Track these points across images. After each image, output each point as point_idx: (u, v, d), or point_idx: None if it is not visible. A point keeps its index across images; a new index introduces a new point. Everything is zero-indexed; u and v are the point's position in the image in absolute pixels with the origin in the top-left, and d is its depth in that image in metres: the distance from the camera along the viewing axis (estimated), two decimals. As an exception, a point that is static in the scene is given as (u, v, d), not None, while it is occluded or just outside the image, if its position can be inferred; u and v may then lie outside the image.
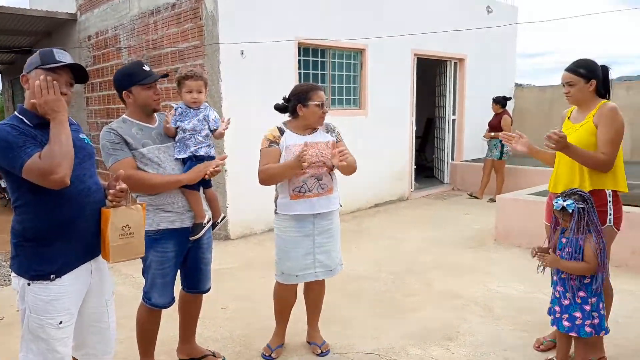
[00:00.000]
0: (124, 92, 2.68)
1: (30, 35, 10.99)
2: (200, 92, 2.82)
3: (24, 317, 2.09)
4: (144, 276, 2.82)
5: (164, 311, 2.89)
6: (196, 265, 2.95)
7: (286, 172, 2.90)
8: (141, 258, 2.77)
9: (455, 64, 9.51)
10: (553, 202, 2.83)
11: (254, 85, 6.33)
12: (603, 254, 2.74)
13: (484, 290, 4.30)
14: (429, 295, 4.24)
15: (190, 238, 2.82)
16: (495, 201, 6.38)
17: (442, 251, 5.52)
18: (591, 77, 2.90)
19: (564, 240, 2.83)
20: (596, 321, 2.77)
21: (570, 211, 2.72)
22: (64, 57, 2.09)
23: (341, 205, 3.22)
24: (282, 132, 3.03)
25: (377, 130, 7.96)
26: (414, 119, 8.76)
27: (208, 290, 3.06)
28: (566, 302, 2.81)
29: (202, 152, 2.77)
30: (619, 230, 2.92)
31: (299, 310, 3.35)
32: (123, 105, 2.76)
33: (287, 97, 3.09)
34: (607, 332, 2.84)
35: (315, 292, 3.27)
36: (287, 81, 6.87)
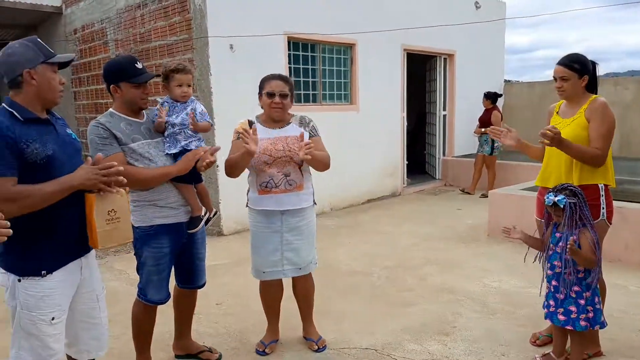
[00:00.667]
0: (112, 86, 2.60)
1: (15, 29, 10.77)
2: (189, 85, 2.77)
3: (14, 314, 2.03)
4: (138, 273, 2.77)
5: (159, 307, 2.84)
6: (191, 261, 2.91)
7: (241, 160, 2.80)
8: (135, 255, 2.74)
9: (445, 59, 9.52)
10: (545, 198, 2.82)
11: (244, 79, 6.24)
12: (597, 248, 2.74)
13: (479, 285, 4.30)
14: (424, 290, 4.23)
15: (189, 231, 2.79)
16: (487, 197, 6.40)
17: (436, 246, 5.52)
18: (584, 72, 2.90)
19: (557, 235, 2.83)
20: (591, 315, 2.77)
21: (562, 206, 2.71)
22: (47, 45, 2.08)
23: (315, 203, 3.14)
24: (251, 124, 2.97)
25: (368, 125, 7.94)
26: (404, 114, 8.75)
27: (203, 285, 3.03)
28: (561, 296, 2.81)
29: (192, 146, 2.71)
30: (610, 224, 2.93)
31: (293, 305, 3.31)
32: (112, 100, 2.69)
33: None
34: (602, 326, 2.85)
35: (300, 288, 3.22)
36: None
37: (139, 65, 2.60)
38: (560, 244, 2.79)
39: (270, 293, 3.19)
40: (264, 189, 2.94)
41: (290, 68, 6.90)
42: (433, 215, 7.06)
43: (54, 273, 2.02)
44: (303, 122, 3.03)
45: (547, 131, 2.69)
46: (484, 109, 8.44)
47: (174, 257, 2.79)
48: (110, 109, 2.65)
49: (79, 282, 2.16)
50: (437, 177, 9.78)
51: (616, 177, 3.01)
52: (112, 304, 3.68)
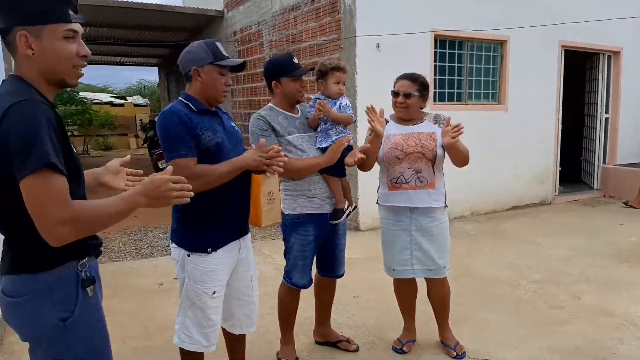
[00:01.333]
0: (273, 82, 2.78)
1: (183, 32, 12.08)
2: (344, 83, 2.90)
3: (182, 285, 2.26)
4: (285, 257, 2.92)
5: (302, 294, 2.98)
6: (332, 250, 3.01)
7: (370, 144, 2.83)
8: (283, 240, 2.91)
9: (609, 57, 8.53)
10: None
11: (389, 78, 6.19)
12: None
13: (645, 310, 3.79)
14: (578, 309, 3.84)
15: (332, 222, 2.88)
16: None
17: (592, 263, 4.98)
18: None
19: None
20: None
21: None
22: (224, 50, 2.26)
23: (446, 205, 3.01)
24: (386, 121, 2.98)
25: (517, 126, 7.44)
26: (559, 116, 8.03)
27: (342, 275, 3.11)
28: None
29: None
30: None
31: (430, 308, 3.23)
32: (265, 97, 2.90)
33: None
34: None
35: (435, 292, 3.13)
36: (423, 73, 6.64)
37: (296, 61, 2.77)
38: None
39: (403, 291, 3.18)
40: (393, 185, 2.93)
41: (435, 66, 6.74)
42: (590, 229, 6.38)
43: (217, 251, 2.23)
44: (437, 120, 2.96)
45: None
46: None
47: (317, 245, 2.91)
48: (270, 104, 2.84)
49: (236, 261, 2.36)
50: (594, 187, 8.82)
51: None
52: (259, 285, 3.95)
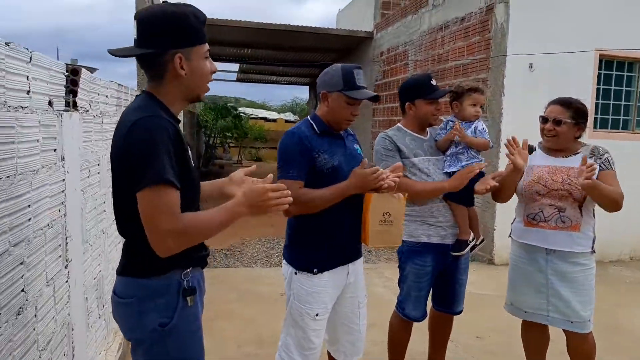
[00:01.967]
0: (407, 103, 2.71)
1: (333, 52, 12.57)
2: (482, 106, 2.72)
3: (288, 302, 2.28)
4: (399, 285, 2.81)
5: (417, 325, 2.82)
6: (451, 285, 2.81)
7: (507, 177, 2.58)
8: (399, 267, 2.79)
9: None
10: None
11: (540, 101, 5.65)
12: None
13: None
14: None
15: (453, 254, 2.70)
16: None
17: None
18: None
19: None
20: None
21: None
22: (361, 79, 2.19)
23: (594, 251, 2.57)
24: (531, 150, 2.68)
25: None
26: None
27: (459, 312, 2.89)
28: None
29: None
30: None
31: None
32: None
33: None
34: None
35: (575, 348, 2.67)
36: (582, 97, 5.98)
37: (434, 82, 2.66)
38: None
39: (532, 337, 2.82)
40: (530, 221, 2.62)
41: (598, 89, 6.04)
42: None
43: (324, 273, 2.20)
44: (595, 153, 2.58)
45: None
46: None
47: (434, 277, 2.73)
48: (398, 124, 2.77)
49: (344, 286, 2.31)
50: None
51: None
52: (376, 309, 3.85)
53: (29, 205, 1.71)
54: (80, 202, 2.36)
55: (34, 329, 1.74)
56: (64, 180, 2.11)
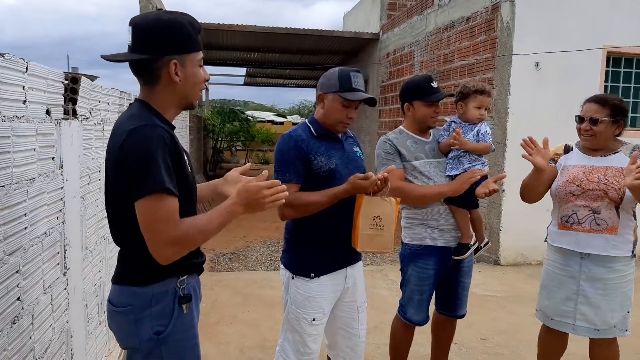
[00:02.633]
0: (405, 104, 2.69)
1: (340, 54, 12.58)
2: (487, 108, 2.66)
3: (285, 307, 2.27)
4: (401, 289, 2.79)
5: (419, 328, 2.80)
6: (453, 288, 2.78)
7: (530, 178, 2.57)
8: (401, 271, 2.77)
9: None
10: None
11: (547, 100, 5.71)
12: None
13: None
14: None
15: (454, 258, 2.67)
16: None
17: None
18: None
19: None
20: None
21: None
22: (358, 82, 2.18)
23: (634, 255, 2.48)
24: (567, 150, 2.61)
25: None
26: None
27: (463, 316, 2.86)
28: None
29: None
30: None
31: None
32: (409, 120, 2.77)
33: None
34: None
35: (597, 355, 2.62)
36: (588, 96, 5.93)
37: (434, 84, 2.62)
38: None
39: (550, 343, 2.73)
40: (564, 224, 2.54)
41: (606, 87, 5.97)
42: None
43: (321, 277, 2.19)
44: (632, 151, 2.49)
45: None
46: None
47: (437, 281, 2.71)
48: (400, 127, 2.75)
49: (342, 290, 2.29)
50: None
51: None
52: (380, 312, 3.85)
53: (25, 214, 1.72)
54: (80, 209, 2.37)
55: (30, 337, 1.75)
56: (62, 188, 2.12)
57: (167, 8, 6.56)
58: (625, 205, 2.41)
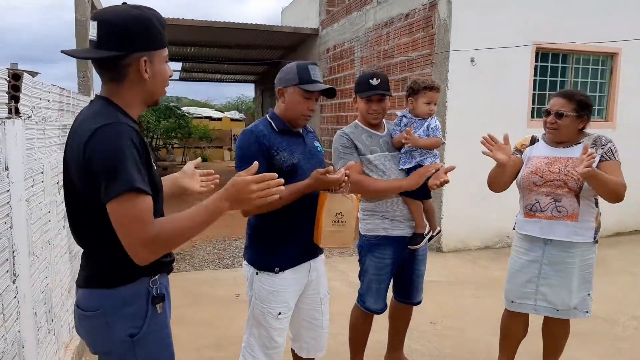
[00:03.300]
0: (354, 97, 2.74)
1: (279, 49, 12.51)
2: (436, 104, 2.75)
3: (250, 303, 2.27)
4: (360, 279, 2.85)
5: (375, 316, 2.88)
6: (409, 276, 2.88)
7: (493, 171, 2.66)
8: (359, 262, 2.84)
9: None
10: None
11: (482, 94, 6.00)
12: None
13: None
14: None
15: (410, 247, 2.77)
16: None
17: None
18: None
19: None
20: None
21: None
22: (317, 74, 2.19)
23: (596, 241, 2.63)
24: (534, 142, 2.74)
25: (627, 146, 6.66)
26: (680, 136, 7.17)
27: (419, 302, 2.97)
28: None
29: (427, 163, 2.67)
30: None
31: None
32: (352, 113, 2.84)
33: None
34: None
35: (550, 330, 2.80)
36: (520, 89, 6.34)
37: (374, 81, 2.63)
38: None
39: (512, 327, 2.84)
40: (528, 212, 2.68)
41: (535, 81, 6.36)
42: None
43: (285, 271, 2.21)
44: (598, 143, 2.57)
45: None
46: None
47: (394, 270, 2.80)
48: (356, 121, 2.80)
49: (306, 283, 2.32)
50: None
51: None
52: (332, 304, 3.90)
53: (-29, 220, 1.62)
54: (26, 213, 2.25)
55: (-16, 350, 1.65)
56: (8, 191, 2.00)
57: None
58: (584, 193, 2.52)
